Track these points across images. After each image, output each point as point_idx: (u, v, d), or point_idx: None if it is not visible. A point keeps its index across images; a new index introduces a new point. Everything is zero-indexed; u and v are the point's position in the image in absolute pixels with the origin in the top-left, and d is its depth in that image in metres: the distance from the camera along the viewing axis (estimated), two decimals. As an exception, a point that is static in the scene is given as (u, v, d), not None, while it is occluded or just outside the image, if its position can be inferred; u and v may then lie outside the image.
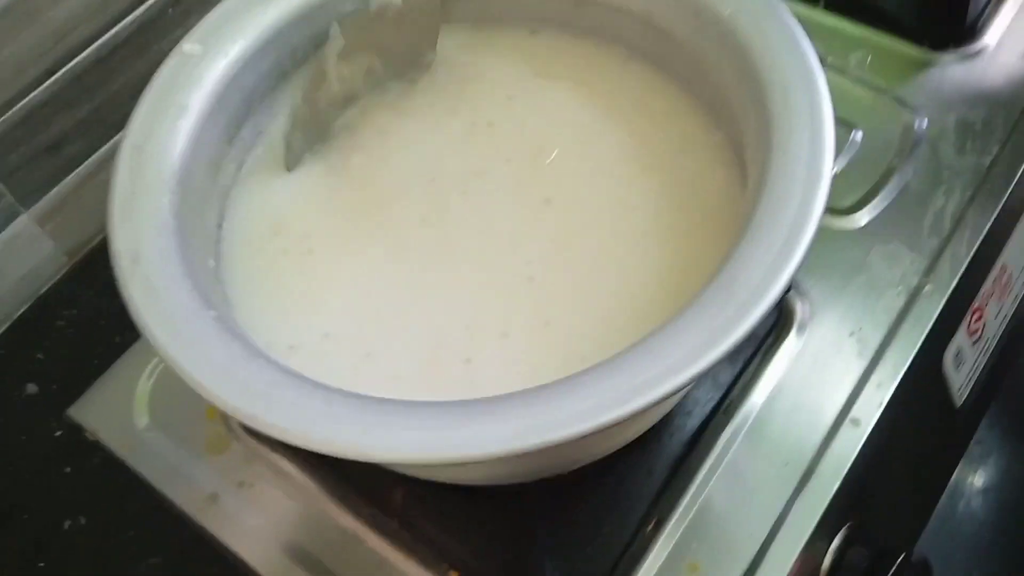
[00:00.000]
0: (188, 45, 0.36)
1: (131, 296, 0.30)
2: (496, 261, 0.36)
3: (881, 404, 0.44)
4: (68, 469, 0.52)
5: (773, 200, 0.29)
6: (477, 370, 0.33)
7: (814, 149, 0.30)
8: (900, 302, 0.48)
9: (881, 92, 0.56)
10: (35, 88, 0.56)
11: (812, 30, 0.57)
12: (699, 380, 0.39)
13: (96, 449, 0.50)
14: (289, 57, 0.40)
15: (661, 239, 0.35)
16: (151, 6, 0.60)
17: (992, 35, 0.58)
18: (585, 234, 0.36)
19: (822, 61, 0.57)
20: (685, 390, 0.35)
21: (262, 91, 0.39)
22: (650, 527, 0.41)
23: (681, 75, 0.39)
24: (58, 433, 0.53)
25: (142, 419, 0.49)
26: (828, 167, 0.30)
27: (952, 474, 0.53)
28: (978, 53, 0.57)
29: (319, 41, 0.40)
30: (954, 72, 0.56)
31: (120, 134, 0.60)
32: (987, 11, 0.58)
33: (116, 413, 0.50)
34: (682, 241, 0.34)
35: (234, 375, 0.28)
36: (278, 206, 0.39)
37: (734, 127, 0.35)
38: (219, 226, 0.38)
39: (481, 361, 0.34)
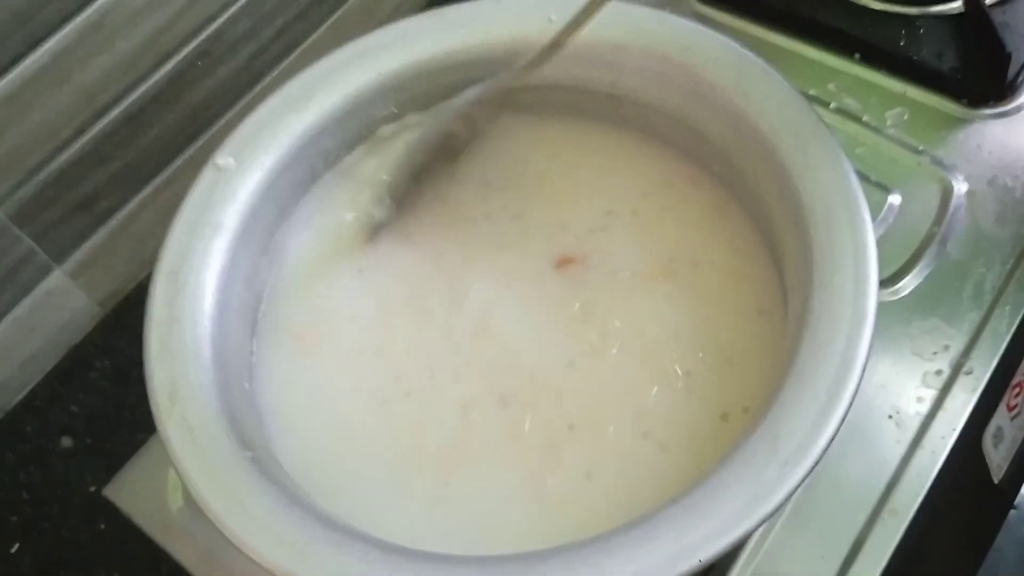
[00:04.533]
0: (222, 159, 0.36)
1: (169, 437, 0.30)
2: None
3: (919, 495, 0.44)
4: (103, 526, 0.52)
5: (816, 346, 0.29)
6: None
7: (859, 290, 0.30)
8: (940, 382, 0.47)
9: (919, 152, 0.55)
10: (66, 148, 0.56)
11: (848, 84, 0.58)
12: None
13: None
14: (322, 160, 0.40)
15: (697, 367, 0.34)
16: (179, 61, 0.60)
17: (1034, 91, 0.56)
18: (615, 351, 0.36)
19: (857, 119, 0.57)
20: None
21: (296, 197, 0.39)
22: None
23: (722, 177, 0.39)
24: (92, 488, 0.54)
25: (176, 501, 0.49)
26: (872, 311, 0.29)
27: (991, 545, 0.53)
28: (1018, 110, 0.56)
29: (351, 144, 0.39)
30: (993, 131, 0.55)
31: (151, 186, 0.63)
32: (1029, 65, 0.57)
33: (150, 494, 0.50)
34: (721, 371, 0.34)
35: (271, 527, 0.28)
36: (313, 308, 0.39)
37: (774, 242, 0.34)
38: (252, 336, 0.38)
39: (520, 505, 0.33)
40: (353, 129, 0.40)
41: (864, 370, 0.29)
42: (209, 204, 0.36)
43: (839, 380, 0.28)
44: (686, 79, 0.36)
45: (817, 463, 0.27)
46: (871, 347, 0.30)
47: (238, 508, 0.29)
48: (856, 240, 0.31)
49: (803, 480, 0.27)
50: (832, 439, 0.28)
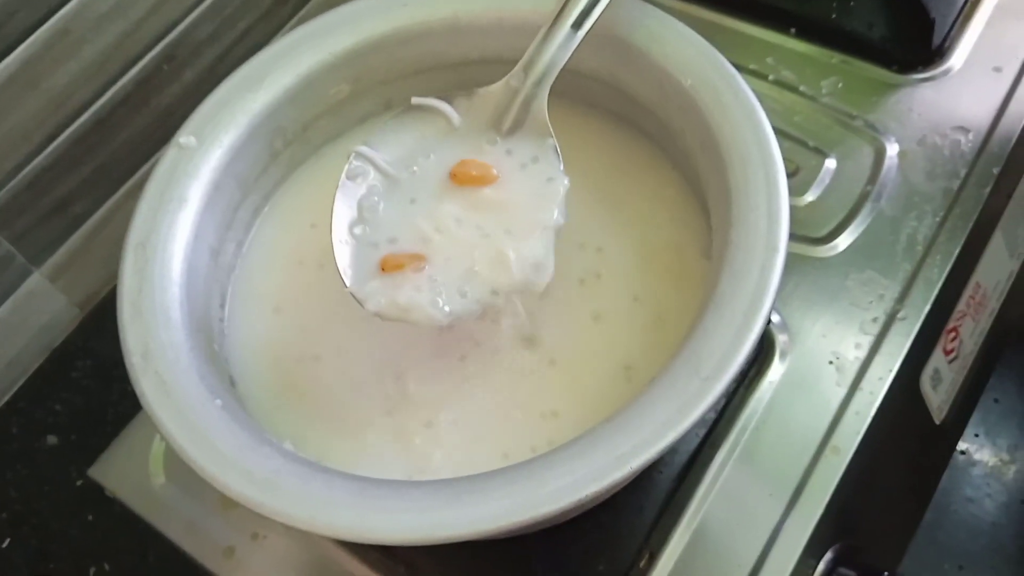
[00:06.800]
0: (184, 138, 0.39)
1: (143, 391, 0.32)
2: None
3: (859, 432, 0.46)
4: (90, 517, 0.54)
5: (733, 274, 0.31)
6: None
7: (771, 225, 0.32)
8: (876, 329, 0.50)
9: (852, 118, 0.58)
10: (39, 153, 0.58)
11: (785, 58, 0.61)
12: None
13: (116, 499, 0.53)
14: (280, 138, 0.42)
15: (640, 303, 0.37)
16: (145, 65, 0.62)
17: (958, 56, 0.59)
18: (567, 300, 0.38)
19: (794, 89, 0.60)
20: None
21: (255, 174, 0.42)
22: (643, 562, 0.44)
23: (653, 137, 0.41)
24: (79, 483, 0.56)
25: (158, 477, 0.51)
26: (784, 242, 0.32)
27: (937, 486, 0.55)
28: (945, 74, 0.59)
29: (307, 122, 0.42)
30: (922, 94, 0.58)
31: (123, 188, 0.65)
32: (953, 32, 0.60)
33: (133, 472, 0.52)
34: (660, 306, 0.37)
35: (240, 464, 0.30)
36: (278, 283, 0.42)
37: (701, 192, 0.37)
38: (221, 306, 0.40)
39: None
40: (307, 107, 0.42)
41: (776, 294, 0.31)
42: (173, 180, 0.38)
43: (754, 304, 0.31)
44: (617, 47, 0.39)
45: (734, 378, 0.30)
46: (782, 274, 0.32)
47: (209, 448, 0.31)
48: (769, 181, 0.33)
49: (722, 394, 0.30)
50: (748, 356, 0.30)
